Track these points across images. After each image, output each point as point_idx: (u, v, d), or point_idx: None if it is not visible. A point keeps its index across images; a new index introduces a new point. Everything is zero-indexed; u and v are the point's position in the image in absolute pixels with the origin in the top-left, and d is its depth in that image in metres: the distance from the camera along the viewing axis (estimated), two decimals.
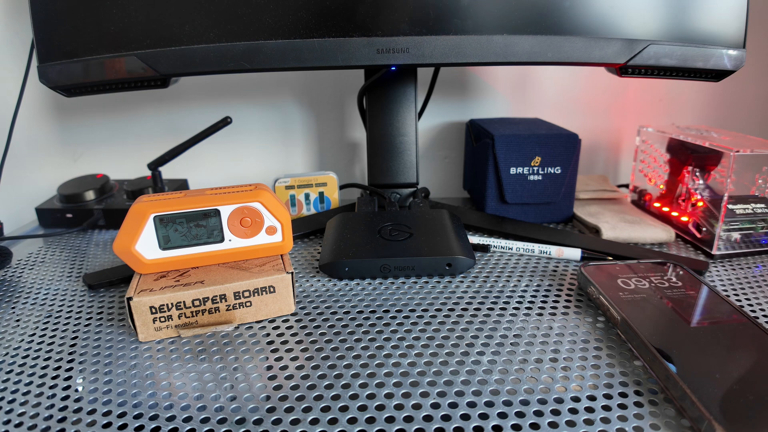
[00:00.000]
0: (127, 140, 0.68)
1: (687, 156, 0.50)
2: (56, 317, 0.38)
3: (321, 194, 0.57)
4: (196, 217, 0.37)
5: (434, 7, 0.42)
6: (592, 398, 0.28)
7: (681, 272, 0.39)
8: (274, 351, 0.33)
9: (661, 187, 0.55)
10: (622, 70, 0.44)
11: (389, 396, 0.28)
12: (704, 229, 0.47)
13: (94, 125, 0.67)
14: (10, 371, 0.31)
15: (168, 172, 0.69)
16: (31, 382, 0.30)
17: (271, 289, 0.36)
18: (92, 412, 0.28)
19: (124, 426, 0.27)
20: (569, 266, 0.44)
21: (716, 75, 0.45)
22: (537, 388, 0.29)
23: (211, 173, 0.71)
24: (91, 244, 0.53)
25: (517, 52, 0.43)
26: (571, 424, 0.26)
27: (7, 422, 0.27)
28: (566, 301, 0.38)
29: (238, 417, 0.27)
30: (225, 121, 0.49)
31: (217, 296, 0.34)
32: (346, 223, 0.48)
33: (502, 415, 0.27)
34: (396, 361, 0.31)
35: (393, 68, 0.51)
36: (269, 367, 0.31)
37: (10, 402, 0.29)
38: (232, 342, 0.34)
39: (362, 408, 0.27)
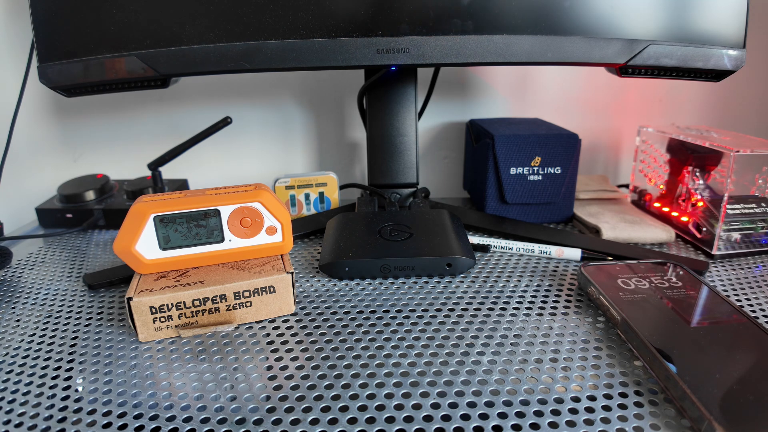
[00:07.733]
0: (127, 140, 0.68)
1: (687, 156, 0.50)
2: (56, 317, 0.38)
3: (321, 194, 0.57)
4: (196, 217, 0.37)
5: (434, 7, 0.42)
6: (592, 398, 0.28)
7: (681, 272, 0.39)
8: (274, 351, 0.33)
9: (661, 187, 0.55)
10: (622, 70, 0.44)
11: (389, 396, 0.28)
12: (704, 229, 0.47)
13: (94, 125, 0.67)
14: (10, 371, 0.31)
15: (168, 172, 0.69)
16: (31, 382, 0.30)
17: (271, 289, 0.36)
18: (92, 412, 0.28)
19: (124, 426, 0.27)
20: (569, 266, 0.44)
21: (716, 75, 0.45)
22: (537, 388, 0.29)
23: (211, 173, 0.71)
24: (91, 244, 0.53)
25: (517, 52, 0.43)
26: (571, 424, 0.26)
27: (7, 422, 0.27)
28: (566, 301, 0.38)
29: (238, 417, 0.27)
30: (225, 121, 0.49)
31: (217, 296, 0.34)
32: (346, 223, 0.48)
33: (502, 415, 0.27)
34: (396, 361, 0.31)
35: (393, 68, 0.51)
36: (269, 367, 0.31)
37: (10, 402, 0.29)
38: (232, 342, 0.34)
39: (362, 408, 0.27)
